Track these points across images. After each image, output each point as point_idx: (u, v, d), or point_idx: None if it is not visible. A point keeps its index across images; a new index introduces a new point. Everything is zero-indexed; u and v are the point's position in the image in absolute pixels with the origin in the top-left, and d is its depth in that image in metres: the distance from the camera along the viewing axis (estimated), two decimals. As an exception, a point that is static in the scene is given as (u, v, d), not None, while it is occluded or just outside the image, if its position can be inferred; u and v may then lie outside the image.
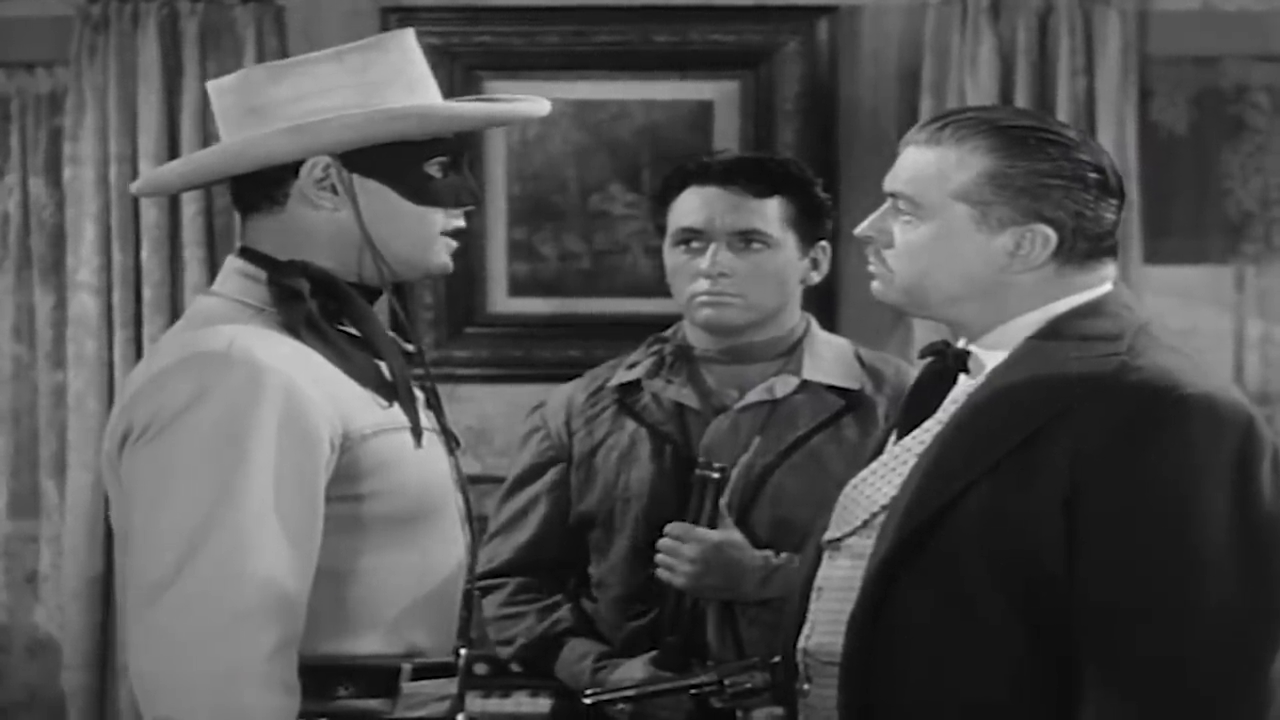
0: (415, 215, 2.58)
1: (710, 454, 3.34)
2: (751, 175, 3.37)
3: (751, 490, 3.33)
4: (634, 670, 3.29)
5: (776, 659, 2.71)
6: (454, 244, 2.64)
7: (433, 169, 2.59)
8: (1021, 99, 4.75)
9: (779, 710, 2.73)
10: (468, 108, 2.63)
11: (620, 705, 2.85)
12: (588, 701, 2.83)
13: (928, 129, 2.56)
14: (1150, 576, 2.36)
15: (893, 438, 2.66)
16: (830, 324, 4.50)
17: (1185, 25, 4.85)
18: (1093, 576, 2.38)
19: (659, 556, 3.27)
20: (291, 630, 2.41)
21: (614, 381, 3.46)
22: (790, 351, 3.42)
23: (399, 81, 2.58)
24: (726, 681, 2.72)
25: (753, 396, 3.38)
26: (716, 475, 3.26)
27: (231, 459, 2.40)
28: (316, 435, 2.45)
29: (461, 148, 2.63)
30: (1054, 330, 2.51)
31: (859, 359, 3.45)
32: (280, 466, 2.42)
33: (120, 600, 4.86)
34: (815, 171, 3.57)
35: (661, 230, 3.44)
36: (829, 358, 3.42)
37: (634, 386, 3.44)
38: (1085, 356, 2.46)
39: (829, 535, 2.63)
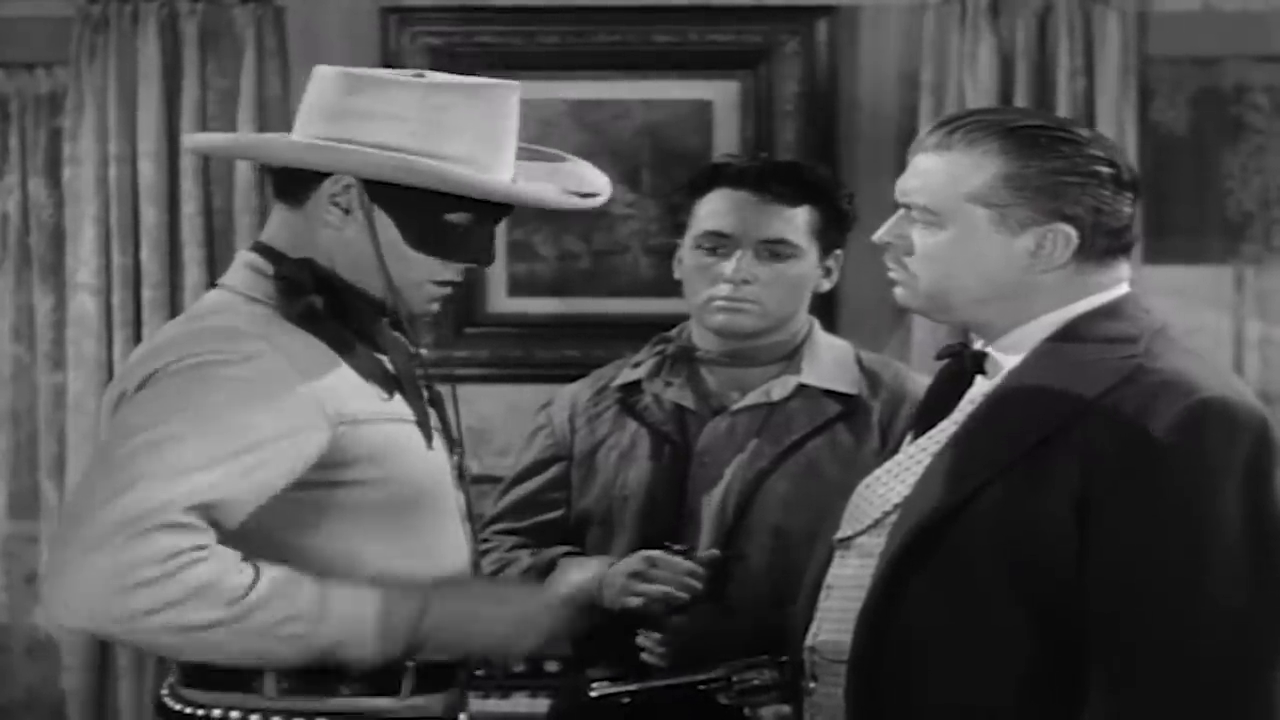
0: (410, 259, 2.59)
1: (707, 454, 3.35)
2: (786, 181, 3.36)
3: (747, 494, 3.33)
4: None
5: (784, 657, 2.71)
6: (445, 292, 2.64)
7: (454, 219, 2.59)
8: (1021, 99, 4.75)
9: (786, 708, 2.73)
10: (491, 184, 2.59)
11: (625, 700, 2.84)
12: (594, 695, 2.82)
13: (936, 134, 2.56)
14: (1162, 578, 2.37)
15: (908, 438, 2.66)
16: (830, 325, 4.48)
17: (1185, 26, 4.85)
18: (1105, 577, 2.39)
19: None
20: (191, 541, 2.39)
21: (617, 381, 3.47)
22: (791, 355, 3.42)
23: (469, 133, 2.57)
24: (735, 678, 2.72)
25: (749, 399, 3.38)
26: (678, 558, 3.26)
27: (200, 419, 2.41)
28: (307, 415, 2.47)
29: (494, 210, 2.62)
30: (1072, 332, 2.51)
31: (859, 362, 3.45)
32: (252, 432, 2.43)
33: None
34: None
35: (679, 227, 3.43)
36: (829, 361, 3.42)
37: (636, 386, 3.45)
38: (1102, 359, 2.46)
39: (839, 534, 2.63)
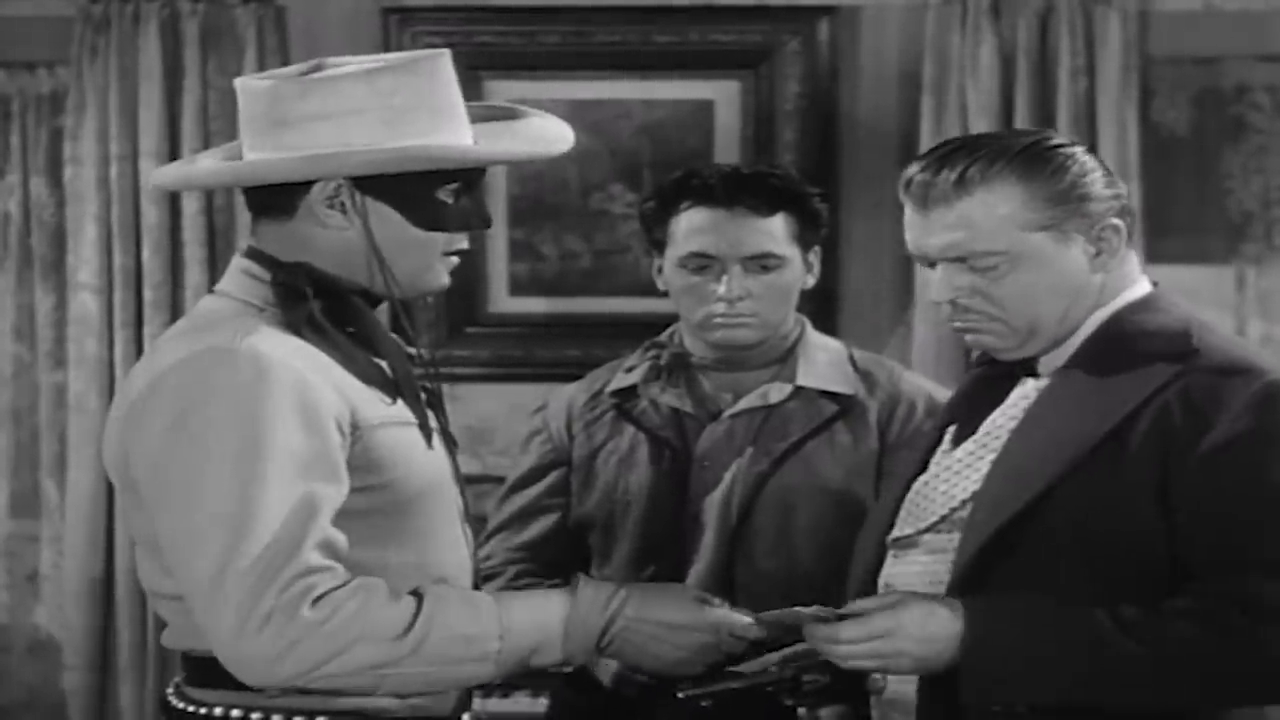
0: (421, 240, 2.61)
1: (708, 459, 3.36)
2: (756, 193, 3.34)
3: (749, 497, 3.34)
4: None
5: None
6: (455, 261, 2.66)
7: (445, 194, 2.60)
8: (1022, 100, 4.75)
9: (844, 708, 2.75)
10: (483, 151, 2.63)
11: (704, 702, 2.86)
12: (680, 695, 2.83)
13: (941, 184, 2.57)
14: (1257, 541, 2.46)
15: (948, 437, 2.71)
16: (830, 326, 4.50)
17: (1186, 25, 4.84)
18: (1199, 552, 2.48)
19: None
20: (331, 583, 2.45)
21: (611, 387, 3.46)
22: (785, 357, 3.43)
23: (424, 109, 2.58)
24: (804, 678, 2.71)
25: (746, 403, 3.39)
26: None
27: (253, 453, 2.43)
28: (328, 423, 2.48)
29: (477, 173, 2.65)
30: (1115, 326, 2.60)
31: (852, 362, 3.45)
32: (300, 452, 2.45)
33: (120, 600, 4.86)
34: (815, 172, 3.56)
35: (657, 244, 3.42)
36: (823, 362, 3.43)
37: (631, 391, 3.44)
38: (1158, 349, 2.55)
39: (897, 533, 2.68)
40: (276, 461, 2.43)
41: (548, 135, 2.70)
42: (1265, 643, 2.45)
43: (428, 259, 2.62)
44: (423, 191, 2.59)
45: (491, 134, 2.68)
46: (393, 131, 2.56)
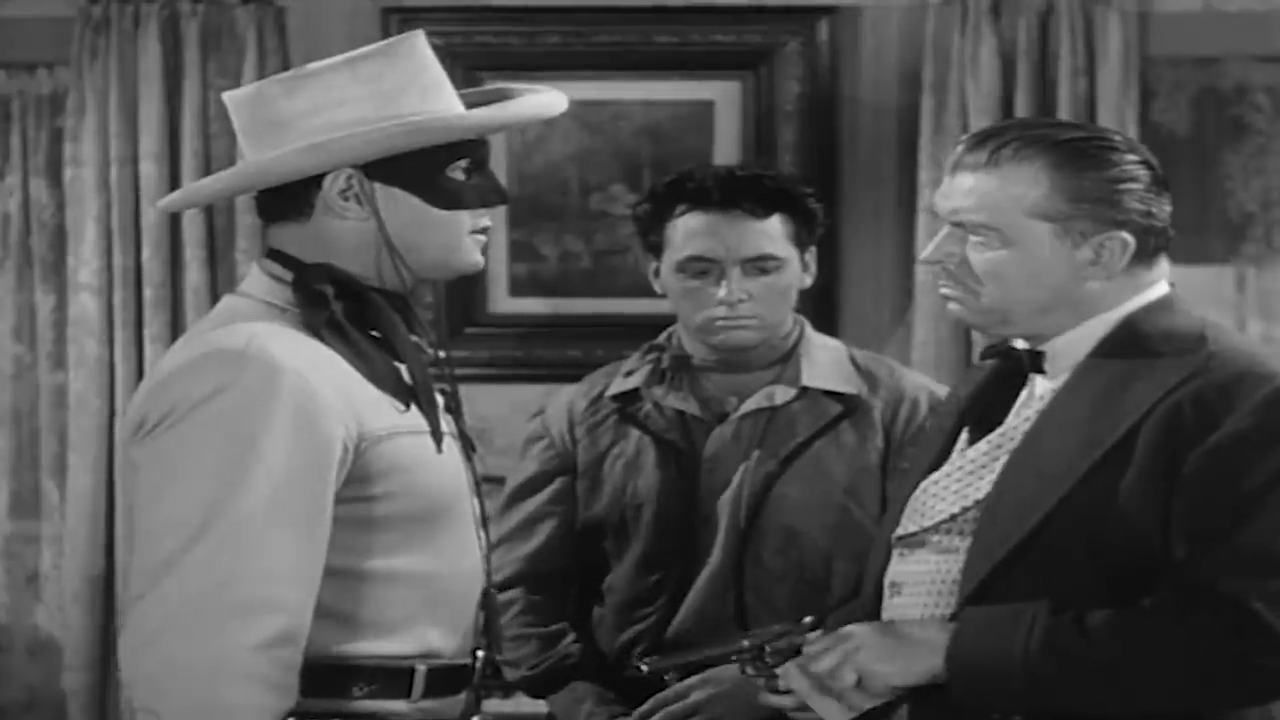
0: (442, 220, 2.61)
1: (715, 461, 3.36)
2: (752, 195, 3.36)
3: (758, 498, 3.35)
4: None
5: (808, 619, 2.75)
6: (483, 240, 2.66)
7: (456, 172, 2.61)
8: (1022, 100, 4.75)
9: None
10: (482, 116, 2.63)
11: (667, 675, 2.87)
12: (646, 669, 2.83)
13: (979, 151, 2.60)
14: (1234, 538, 2.46)
15: (964, 437, 2.71)
16: (830, 326, 4.50)
17: (1186, 26, 4.85)
18: (1179, 546, 2.47)
19: None
20: (284, 628, 2.42)
21: (612, 390, 3.46)
22: (786, 357, 3.43)
23: (412, 88, 2.59)
24: (767, 649, 2.72)
25: (752, 404, 3.39)
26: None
27: (239, 454, 2.42)
28: (329, 436, 2.47)
29: (483, 149, 2.65)
30: (1132, 327, 2.60)
31: (853, 362, 3.46)
32: (289, 465, 2.44)
33: (120, 600, 4.86)
34: (815, 173, 3.55)
35: (653, 248, 3.42)
36: (825, 362, 3.44)
37: (633, 395, 3.45)
38: (1173, 351, 2.56)
39: (902, 531, 2.68)
40: (258, 478, 2.42)
41: (538, 102, 2.70)
42: (1236, 641, 2.45)
43: (455, 239, 2.62)
44: (432, 172, 2.59)
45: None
46: (386, 114, 2.57)
